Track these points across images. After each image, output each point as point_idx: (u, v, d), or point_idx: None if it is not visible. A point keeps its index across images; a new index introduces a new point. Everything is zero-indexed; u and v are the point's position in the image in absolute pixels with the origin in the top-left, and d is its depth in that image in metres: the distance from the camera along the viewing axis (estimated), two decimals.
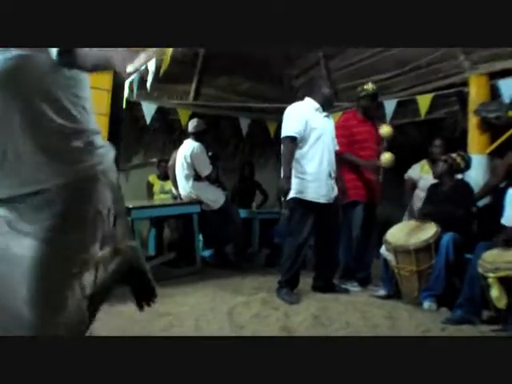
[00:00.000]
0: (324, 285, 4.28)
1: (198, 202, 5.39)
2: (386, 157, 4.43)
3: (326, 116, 4.27)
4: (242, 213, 6.26)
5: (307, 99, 4.26)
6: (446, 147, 5.00)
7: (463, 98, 5.19)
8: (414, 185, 5.29)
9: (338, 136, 4.47)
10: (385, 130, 4.53)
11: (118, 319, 3.14)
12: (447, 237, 3.85)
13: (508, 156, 4.21)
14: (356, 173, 4.62)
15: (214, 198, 5.53)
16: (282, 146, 4.10)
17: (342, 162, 4.47)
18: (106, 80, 3.68)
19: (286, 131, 4.09)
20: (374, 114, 4.86)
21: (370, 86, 4.70)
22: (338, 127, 4.58)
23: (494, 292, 3.22)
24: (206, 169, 5.45)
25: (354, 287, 4.50)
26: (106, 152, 1.56)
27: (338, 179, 4.33)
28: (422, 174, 5.20)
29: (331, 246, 4.28)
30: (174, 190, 5.87)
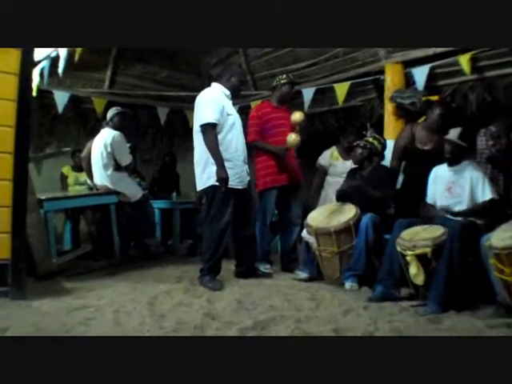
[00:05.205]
0: (246, 270, 4.25)
1: (115, 192, 5.16)
2: (293, 137, 4.42)
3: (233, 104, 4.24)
4: (163, 203, 6.12)
5: (217, 85, 4.16)
6: (357, 135, 5.11)
7: (379, 86, 5.33)
8: (324, 172, 5.38)
9: (250, 125, 4.45)
10: (296, 116, 4.56)
11: (33, 314, 2.98)
12: (366, 218, 3.93)
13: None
14: (269, 159, 4.61)
15: (133, 190, 5.33)
16: (202, 135, 3.93)
17: (254, 149, 4.46)
18: (12, 63, 3.40)
19: (204, 118, 3.91)
20: (289, 101, 4.92)
21: (289, 76, 4.82)
22: (250, 117, 4.67)
23: (412, 269, 3.31)
24: (126, 158, 5.22)
25: (266, 269, 4.47)
26: None
27: None
28: (331, 161, 5.30)
29: (249, 230, 4.26)
30: (89, 181, 5.61)
